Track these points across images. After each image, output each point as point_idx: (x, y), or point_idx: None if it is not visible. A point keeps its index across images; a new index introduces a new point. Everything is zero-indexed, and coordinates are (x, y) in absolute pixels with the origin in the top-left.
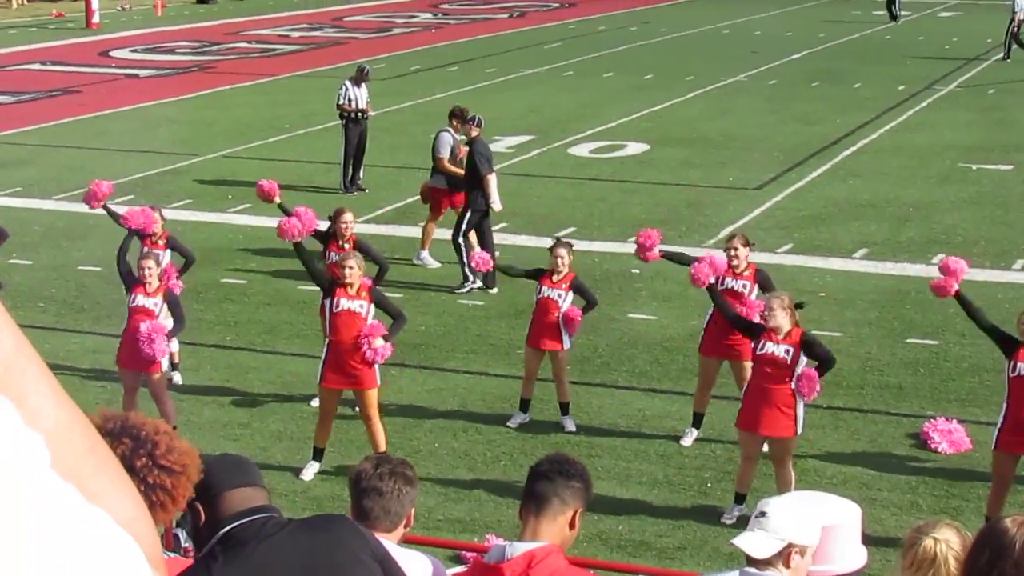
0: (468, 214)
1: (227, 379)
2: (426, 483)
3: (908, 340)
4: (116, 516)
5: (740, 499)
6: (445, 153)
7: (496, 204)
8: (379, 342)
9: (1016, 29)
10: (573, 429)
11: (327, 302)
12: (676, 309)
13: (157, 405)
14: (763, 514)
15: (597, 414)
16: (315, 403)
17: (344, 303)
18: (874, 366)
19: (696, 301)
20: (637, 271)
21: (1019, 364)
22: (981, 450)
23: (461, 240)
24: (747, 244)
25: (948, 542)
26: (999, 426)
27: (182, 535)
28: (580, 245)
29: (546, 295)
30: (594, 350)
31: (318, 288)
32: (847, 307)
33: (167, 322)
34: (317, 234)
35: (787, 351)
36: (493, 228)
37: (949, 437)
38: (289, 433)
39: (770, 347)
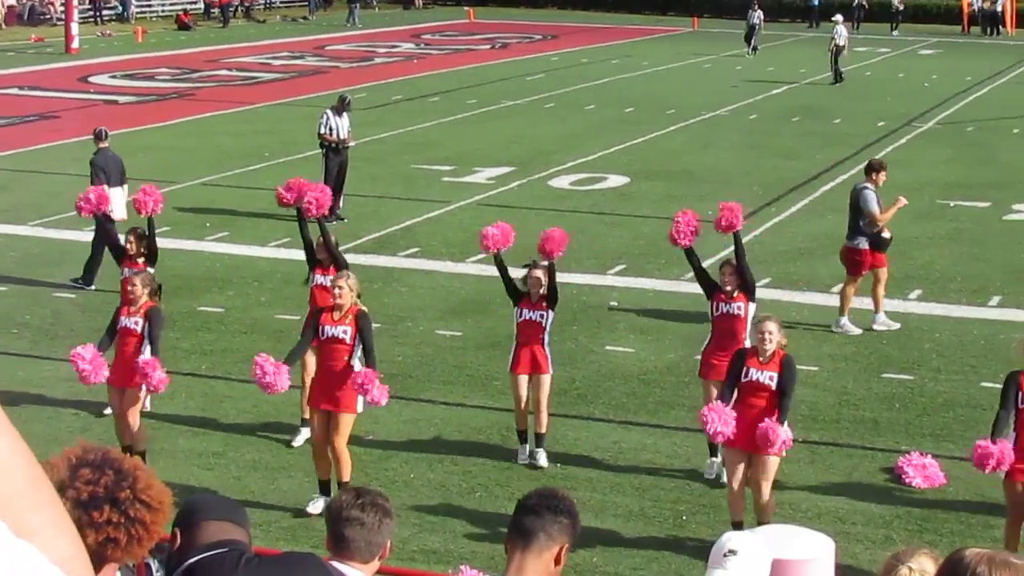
0: None
1: (202, 408)
2: (401, 514)
3: (884, 375)
4: (50, 553)
5: (714, 450)
6: (876, 209)
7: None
8: (378, 389)
9: (834, 54)
10: (544, 465)
11: (309, 330)
12: (653, 342)
13: (127, 419)
14: (732, 552)
15: (573, 446)
16: (298, 442)
17: (328, 330)
18: (850, 400)
19: (674, 334)
20: (615, 303)
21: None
22: (955, 485)
23: None
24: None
25: (924, 572)
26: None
27: (154, 564)
28: (559, 277)
29: (527, 317)
30: (571, 382)
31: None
32: (824, 342)
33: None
34: (308, 254)
35: (771, 377)
36: (471, 259)
37: (923, 472)
38: (264, 463)
39: (754, 374)
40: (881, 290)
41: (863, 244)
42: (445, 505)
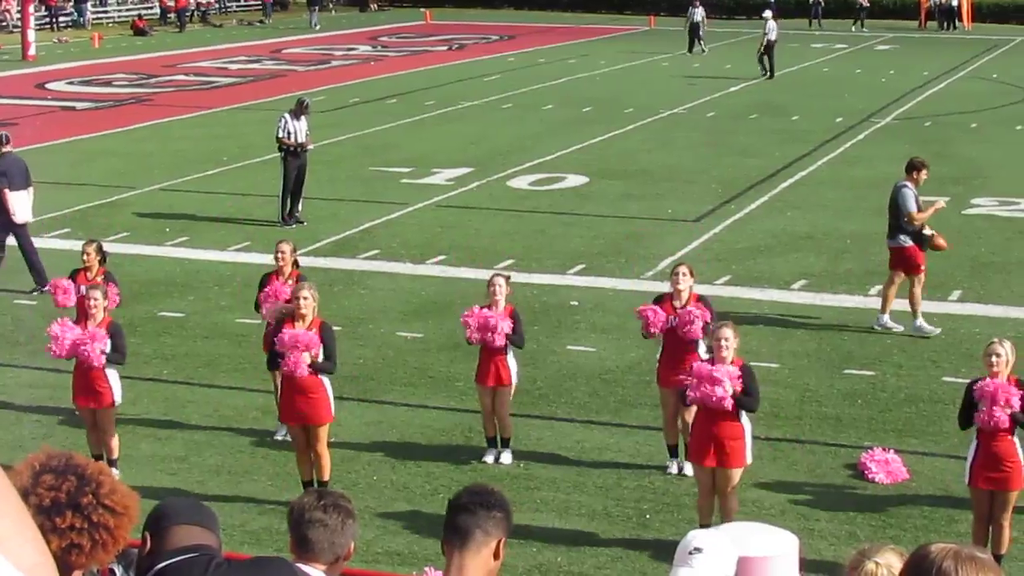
0: None
1: (164, 412)
2: (364, 516)
3: (846, 371)
4: (16, 561)
5: (673, 452)
6: (914, 207)
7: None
8: (305, 357)
9: (761, 49)
10: (509, 461)
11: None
12: (615, 341)
13: (104, 437)
14: (698, 550)
15: (536, 446)
16: (280, 435)
17: None
18: (812, 397)
19: (634, 333)
20: (576, 303)
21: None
22: (918, 480)
23: None
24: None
25: (890, 567)
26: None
27: (119, 570)
28: (519, 277)
29: None
30: (533, 382)
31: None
32: (785, 339)
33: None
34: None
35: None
36: (431, 261)
37: (886, 467)
38: (227, 467)
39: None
40: (892, 291)
41: (907, 241)
42: (408, 507)
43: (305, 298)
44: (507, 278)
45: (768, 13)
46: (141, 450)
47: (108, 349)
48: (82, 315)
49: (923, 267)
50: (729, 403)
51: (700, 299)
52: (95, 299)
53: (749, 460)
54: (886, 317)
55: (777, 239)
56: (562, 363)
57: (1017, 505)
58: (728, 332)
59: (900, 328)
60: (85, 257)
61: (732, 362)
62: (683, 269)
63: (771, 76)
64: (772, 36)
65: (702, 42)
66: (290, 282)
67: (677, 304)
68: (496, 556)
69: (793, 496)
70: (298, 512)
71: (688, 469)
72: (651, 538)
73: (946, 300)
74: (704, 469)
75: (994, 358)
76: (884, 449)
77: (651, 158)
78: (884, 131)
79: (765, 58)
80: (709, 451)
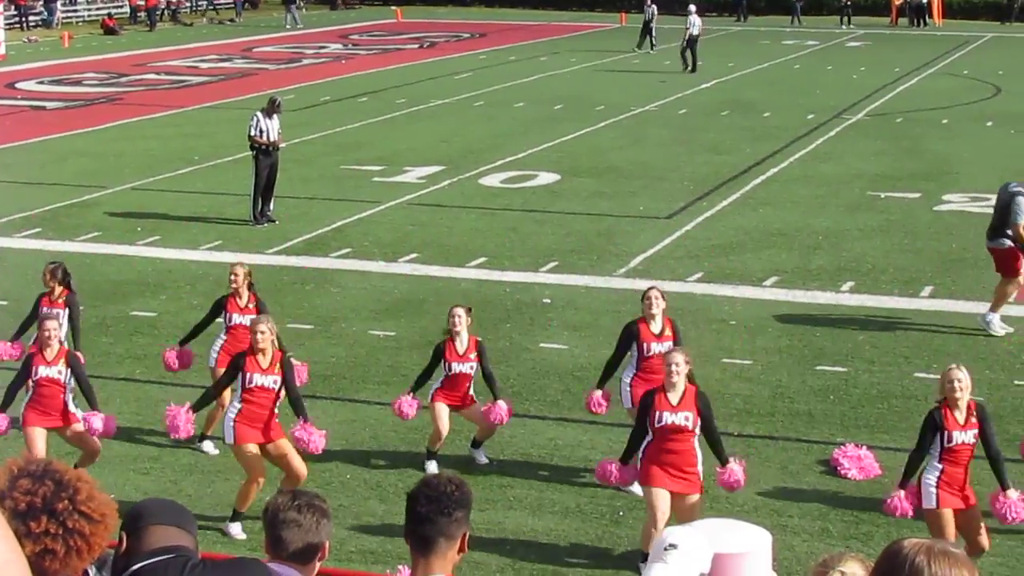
0: None
1: (137, 412)
2: (338, 514)
3: (818, 367)
4: None
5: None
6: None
7: None
8: (317, 437)
9: (684, 43)
10: (485, 461)
11: (239, 374)
12: (587, 338)
13: (84, 447)
14: (673, 546)
15: (508, 444)
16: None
17: (257, 379)
18: (784, 393)
19: (607, 330)
20: (548, 301)
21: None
22: (891, 476)
23: None
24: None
25: (855, 575)
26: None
27: (92, 571)
28: (491, 275)
29: (456, 371)
30: (505, 380)
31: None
32: (757, 335)
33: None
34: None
35: (687, 418)
36: (403, 259)
37: (859, 463)
38: (200, 466)
39: (668, 417)
40: (1008, 291)
41: (1007, 243)
42: (382, 505)
43: (262, 332)
44: (468, 310)
45: (692, 8)
46: (114, 450)
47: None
48: (40, 342)
49: (1022, 271)
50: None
51: (672, 323)
52: (50, 330)
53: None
54: (993, 316)
55: (749, 236)
56: (535, 360)
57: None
58: (679, 358)
59: (1002, 333)
60: (45, 277)
61: (685, 391)
62: (655, 293)
63: (693, 70)
64: (694, 31)
65: (653, 41)
66: (250, 306)
67: (654, 328)
68: (461, 549)
69: (766, 492)
70: (272, 512)
71: None
72: (624, 535)
73: (917, 296)
74: (661, 493)
75: (956, 383)
76: (856, 445)
77: (622, 155)
78: (855, 128)
79: (688, 52)
80: (667, 476)
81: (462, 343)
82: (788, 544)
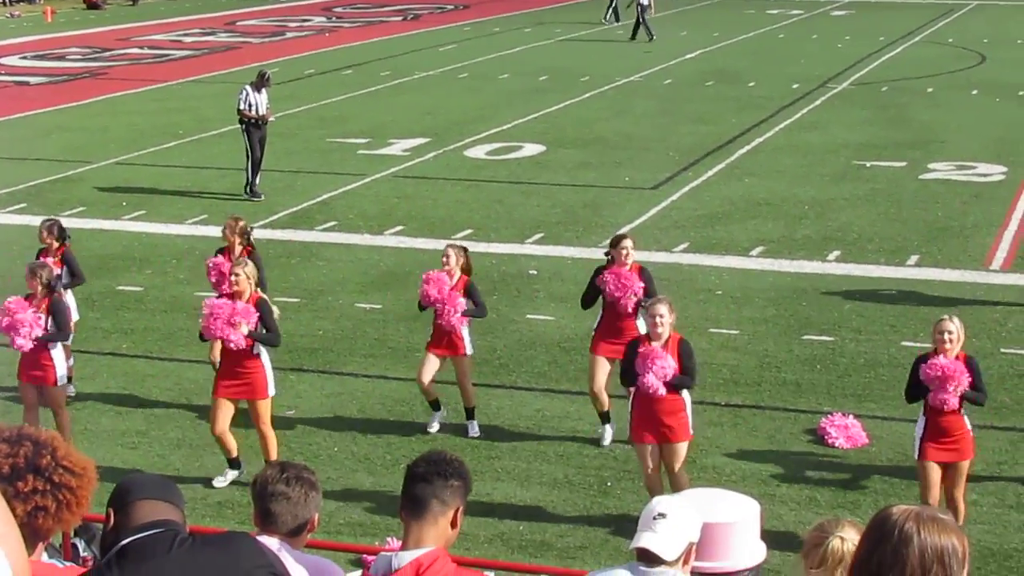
0: None
1: (124, 387)
2: (326, 487)
3: (805, 337)
4: None
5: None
6: None
7: None
8: (244, 329)
9: (640, 13)
10: (477, 434)
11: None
12: (573, 310)
13: (54, 417)
14: (662, 515)
15: (496, 415)
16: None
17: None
18: (771, 363)
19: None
20: (535, 272)
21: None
22: (878, 445)
23: None
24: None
25: (853, 542)
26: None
27: (80, 545)
28: (478, 247)
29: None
30: (492, 352)
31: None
32: (744, 305)
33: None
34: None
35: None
36: (389, 232)
37: (846, 432)
38: (188, 440)
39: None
40: None
41: None
42: (370, 478)
43: (237, 275)
44: (463, 249)
45: None
46: (101, 424)
47: (47, 328)
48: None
49: None
50: (663, 390)
51: (641, 270)
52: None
53: (692, 434)
54: None
55: (735, 206)
56: (522, 332)
57: (970, 474)
58: (663, 308)
59: None
60: (44, 235)
61: (669, 338)
62: (628, 243)
63: (633, 38)
64: (644, 1)
65: (617, 13)
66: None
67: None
68: (454, 524)
69: (753, 462)
70: (261, 485)
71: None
72: (612, 505)
73: (904, 265)
74: (647, 447)
75: (946, 335)
76: (844, 414)
77: (608, 126)
78: (840, 97)
79: (640, 22)
80: (651, 428)
81: (451, 281)
82: (776, 513)
